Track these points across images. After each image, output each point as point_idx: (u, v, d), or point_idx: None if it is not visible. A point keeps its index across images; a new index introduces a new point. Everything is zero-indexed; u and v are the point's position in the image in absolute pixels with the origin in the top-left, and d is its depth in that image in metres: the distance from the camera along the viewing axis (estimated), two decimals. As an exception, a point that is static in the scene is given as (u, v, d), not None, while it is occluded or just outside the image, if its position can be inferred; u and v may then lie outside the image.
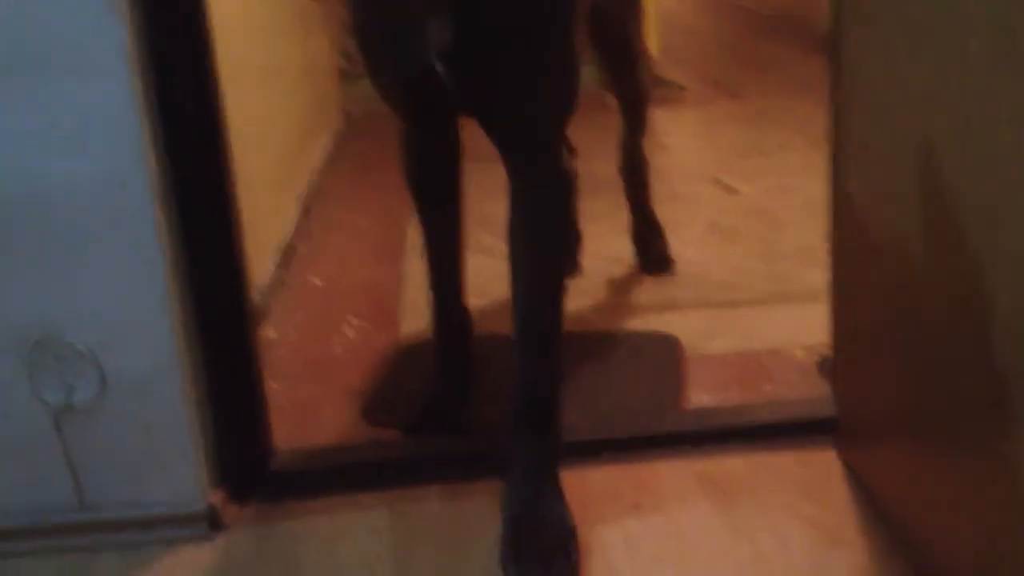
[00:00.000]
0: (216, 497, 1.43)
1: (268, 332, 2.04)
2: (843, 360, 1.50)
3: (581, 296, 2.06)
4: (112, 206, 1.31)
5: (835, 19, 1.39)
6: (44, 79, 1.26)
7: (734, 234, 2.42)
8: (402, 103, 1.45)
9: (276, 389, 1.75)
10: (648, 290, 2.12)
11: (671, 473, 1.47)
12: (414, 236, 2.49)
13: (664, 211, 2.31)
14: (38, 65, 1.26)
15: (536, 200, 1.37)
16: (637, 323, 2.00)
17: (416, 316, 2.07)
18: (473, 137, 1.59)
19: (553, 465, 1.36)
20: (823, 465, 1.46)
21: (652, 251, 2.21)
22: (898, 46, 1.17)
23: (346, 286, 2.27)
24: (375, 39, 1.39)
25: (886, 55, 1.21)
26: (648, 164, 2.23)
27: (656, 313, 2.02)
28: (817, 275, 2.08)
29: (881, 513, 1.33)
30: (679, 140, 3.23)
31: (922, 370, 1.19)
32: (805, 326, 1.90)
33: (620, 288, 2.16)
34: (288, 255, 2.39)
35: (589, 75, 1.62)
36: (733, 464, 1.48)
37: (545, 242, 1.38)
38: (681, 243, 2.37)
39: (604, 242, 2.29)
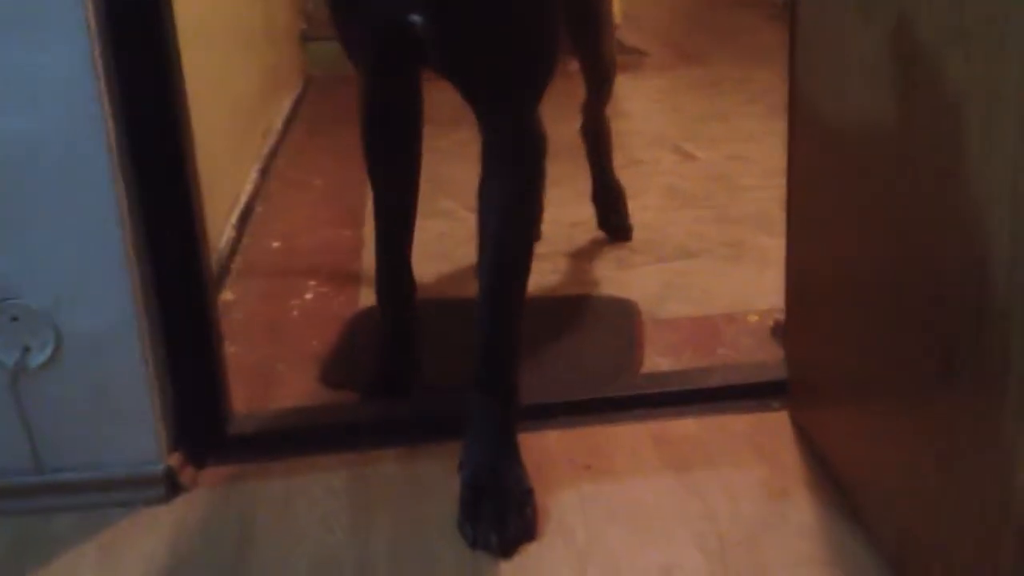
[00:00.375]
0: (174, 459, 1.43)
1: (226, 295, 2.04)
2: (795, 324, 1.52)
3: (540, 260, 2.06)
4: (67, 166, 1.30)
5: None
6: (-2, 36, 1.25)
7: (691, 199, 2.44)
8: (368, 55, 1.40)
9: (234, 352, 1.76)
10: (605, 254, 2.14)
11: (625, 435, 1.50)
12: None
13: (623, 176, 2.31)
14: (-10, 22, 1.24)
15: (511, 162, 1.35)
16: (594, 287, 2.02)
17: (373, 280, 2.08)
18: (432, 100, 1.59)
19: (510, 427, 1.38)
20: (775, 427, 1.49)
21: (612, 216, 2.22)
22: (851, 15, 1.19)
23: (305, 248, 2.27)
24: None
25: (839, 25, 1.23)
26: (610, 130, 2.24)
27: (612, 276, 2.04)
28: (772, 241, 2.12)
29: (830, 473, 1.37)
30: (640, 106, 3.24)
31: (869, 334, 1.22)
32: (760, 291, 1.93)
33: (578, 252, 2.17)
34: (246, 217, 2.38)
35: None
36: (686, 426, 1.51)
37: (518, 206, 1.37)
38: (639, 208, 2.39)
39: (564, 207, 2.30)
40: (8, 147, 1.28)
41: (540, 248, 2.13)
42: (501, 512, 1.29)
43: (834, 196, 1.31)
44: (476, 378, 1.38)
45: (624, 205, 2.24)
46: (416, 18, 1.25)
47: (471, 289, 1.97)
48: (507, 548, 1.27)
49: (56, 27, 1.25)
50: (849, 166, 1.25)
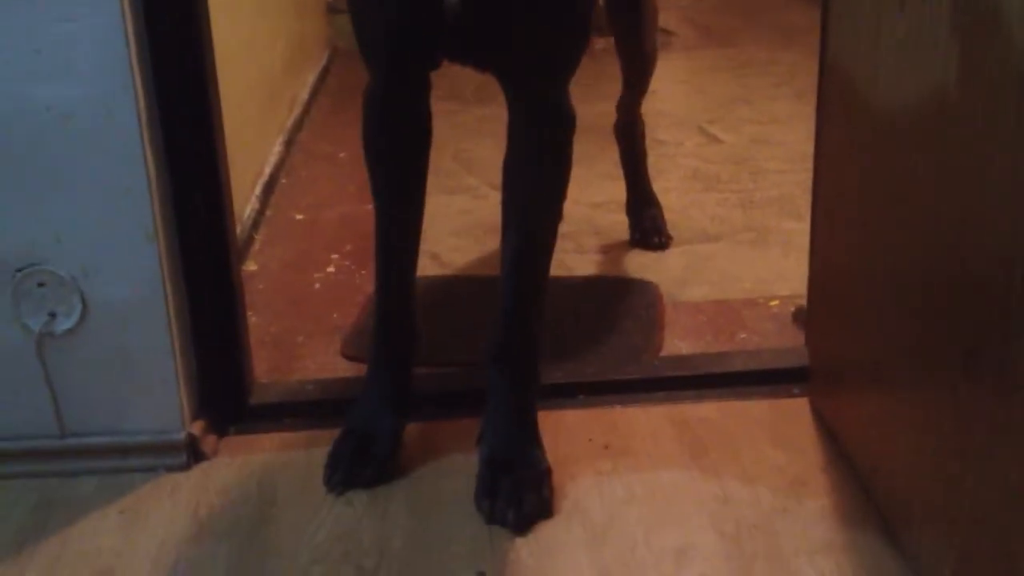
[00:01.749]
0: (196, 427, 1.45)
1: (249, 265, 2.05)
2: (817, 311, 1.52)
3: (561, 239, 2.03)
4: (98, 133, 1.31)
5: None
6: (30, 3, 1.25)
7: (715, 182, 2.43)
8: (389, 43, 1.31)
9: (255, 322, 1.77)
10: (627, 235, 2.13)
11: (644, 417, 1.50)
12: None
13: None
14: (22, -12, 1.25)
15: (539, 141, 1.34)
16: (615, 268, 2.02)
17: (397, 254, 2.08)
18: (456, 76, 1.57)
19: (531, 405, 1.38)
20: (794, 413, 1.49)
21: (649, 230, 2.08)
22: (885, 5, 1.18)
23: (328, 221, 2.28)
24: None
25: (875, 8, 1.22)
26: (644, 130, 2.14)
27: (634, 258, 2.04)
28: (795, 226, 2.12)
29: (848, 460, 1.37)
30: (665, 86, 3.22)
31: (893, 322, 1.22)
32: (781, 276, 1.93)
33: (600, 232, 2.17)
34: (270, 188, 2.39)
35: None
36: (706, 410, 1.51)
37: (545, 185, 1.36)
38: (662, 190, 2.38)
39: (587, 187, 2.30)
40: (39, 115, 1.29)
41: (562, 227, 2.12)
42: (518, 489, 1.30)
43: (862, 183, 1.30)
44: (497, 354, 1.38)
45: (661, 217, 2.11)
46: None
47: (492, 266, 1.99)
48: (523, 525, 1.28)
49: (88, -5, 1.26)
50: (879, 153, 1.24)
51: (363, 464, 1.38)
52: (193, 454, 1.43)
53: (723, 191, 2.38)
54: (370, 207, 2.32)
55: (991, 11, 0.95)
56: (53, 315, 1.36)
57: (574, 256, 2.07)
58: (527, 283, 1.37)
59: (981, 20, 0.97)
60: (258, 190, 2.29)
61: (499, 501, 1.30)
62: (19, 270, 1.34)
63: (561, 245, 2.02)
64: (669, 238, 2.09)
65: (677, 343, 1.72)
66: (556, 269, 1.96)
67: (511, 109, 1.35)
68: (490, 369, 1.38)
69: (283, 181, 2.49)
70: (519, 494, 1.30)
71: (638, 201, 2.13)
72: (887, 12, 1.17)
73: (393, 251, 1.43)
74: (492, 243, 2.14)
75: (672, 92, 3.22)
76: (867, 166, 1.28)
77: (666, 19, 3.98)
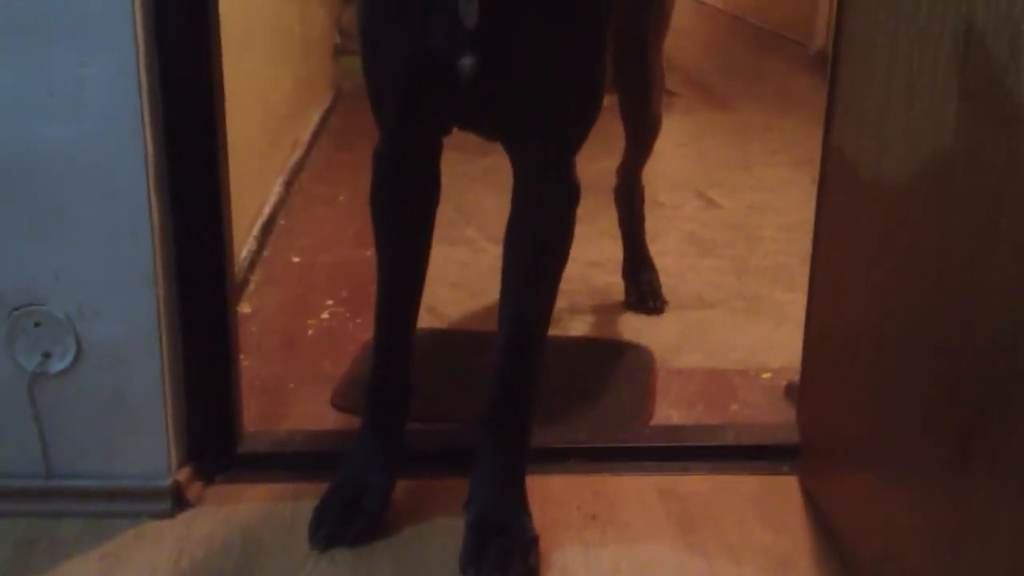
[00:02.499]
0: (182, 474, 1.43)
1: (243, 307, 2.05)
2: (810, 387, 1.53)
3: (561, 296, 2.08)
4: (105, 176, 1.31)
5: (834, 53, 1.41)
6: (45, 44, 1.26)
7: (711, 247, 2.45)
8: (400, 107, 1.29)
9: (246, 366, 1.76)
10: (622, 297, 2.14)
11: (633, 487, 1.50)
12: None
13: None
14: (40, 29, 1.26)
15: (545, 208, 1.35)
16: (609, 330, 2.03)
17: (393, 305, 2.08)
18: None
19: (520, 470, 1.38)
20: (783, 491, 1.49)
21: (645, 294, 2.09)
22: (893, 87, 1.19)
23: (324, 265, 2.28)
24: (387, 14, 1.25)
25: (883, 89, 1.23)
26: (644, 194, 2.16)
27: (628, 321, 2.04)
28: (789, 296, 2.13)
29: (836, 543, 1.36)
30: (665, 147, 3.24)
31: (888, 403, 1.22)
32: (774, 347, 1.94)
33: (595, 292, 2.18)
34: (268, 229, 2.39)
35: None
36: (695, 483, 1.51)
37: (547, 253, 1.37)
38: (658, 252, 2.39)
39: (584, 246, 2.29)
40: (48, 155, 1.29)
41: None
42: (505, 557, 1.29)
43: (862, 261, 1.31)
44: (489, 417, 1.37)
45: (657, 281, 2.12)
46: (468, 60, 1.19)
47: (488, 321, 1.99)
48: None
49: (104, 39, 1.27)
50: (881, 232, 1.25)
51: (350, 520, 1.37)
52: (178, 501, 1.42)
53: (719, 257, 2.40)
54: (368, 253, 2.34)
55: (999, 99, 0.96)
56: (47, 355, 1.35)
57: (568, 315, 2.07)
58: (523, 350, 1.37)
59: (989, 108, 0.99)
60: (256, 230, 2.29)
61: (485, 567, 1.28)
62: (16, 308, 1.34)
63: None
64: (664, 303, 2.10)
65: (668, 411, 1.72)
66: (550, 327, 1.98)
67: (517, 177, 1.36)
68: (481, 431, 1.38)
69: (281, 222, 2.49)
70: (505, 561, 1.28)
71: (635, 264, 2.14)
72: (895, 96, 1.19)
73: (394, 309, 1.43)
74: (489, 297, 2.15)
75: (672, 154, 3.25)
76: (868, 245, 1.29)
77: (669, 80, 4.03)
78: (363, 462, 1.42)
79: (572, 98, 1.28)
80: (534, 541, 1.33)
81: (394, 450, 1.44)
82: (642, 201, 2.16)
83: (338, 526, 1.36)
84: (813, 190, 1.49)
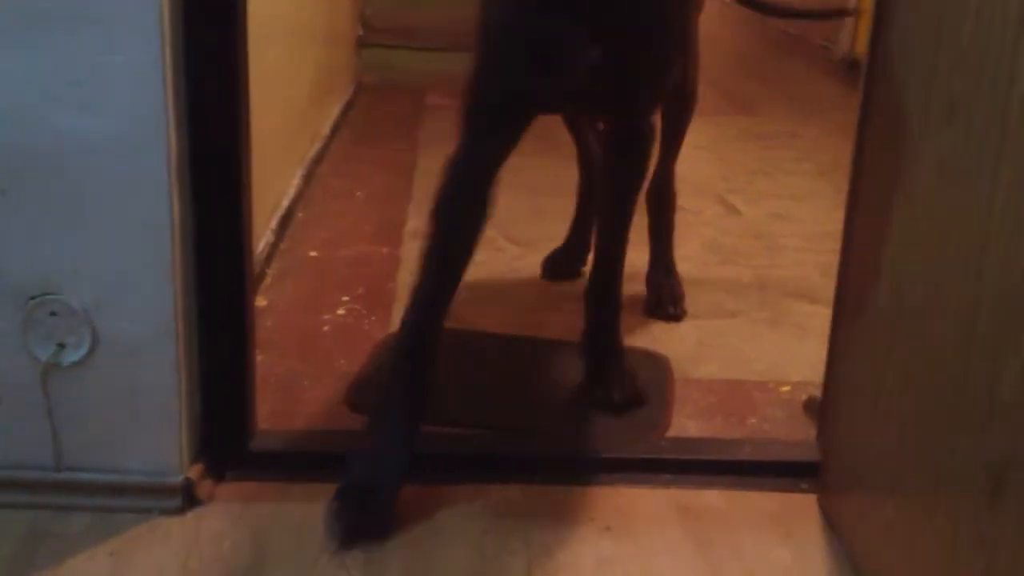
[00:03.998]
0: (193, 471, 1.42)
1: (260, 300, 2.03)
2: (832, 410, 1.50)
3: (574, 300, 2.06)
4: (126, 169, 1.29)
5: (867, 74, 1.38)
6: (70, 33, 1.24)
7: (732, 255, 2.42)
8: (506, 108, 1.46)
9: (260, 360, 1.74)
10: (641, 303, 2.11)
11: (649, 500, 1.48)
12: (414, 220, 2.49)
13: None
14: (65, 18, 1.24)
15: (633, 153, 1.69)
16: (627, 337, 2.00)
17: (409, 304, 2.07)
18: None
19: (616, 328, 1.74)
20: (801, 509, 1.47)
21: (667, 303, 2.09)
22: (934, 111, 1.17)
23: (341, 262, 2.26)
24: (517, 42, 1.44)
25: (919, 120, 1.21)
26: (676, 200, 2.19)
27: (647, 328, 2.02)
28: (810, 308, 2.10)
29: (855, 566, 1.34)
30: (688, 152, 3.17)
31: (914, 431, 1.20)
32: (794, 360, 1.91)
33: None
34: (286, 222, 2.38)
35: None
36: (712, 498, 1.48)
37: (634, 182, 1.72)
38: (680, 258, 2.36)
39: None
40: (70, 145, 1.27)
41: (576, 288, 2.12)
42: (618, 383, 1.69)
43: (892, 281, 1.29)
44: (592, 295, 1.75)
45: (680, 288, 2.13)
46: (595, 52, 1.41)
47: (503, 322, 1.97)
48: (623, 407, 1.67)
49: (130, 29, 1.25)
50: (909, 260, 1.23)
51: (365, 519, 1.37)
52: (188, 499, 1.40)
53: (740, 265, 2.37)
54: (384, 250, 2.34)
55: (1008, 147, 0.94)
56: (62, 346, 1.34)
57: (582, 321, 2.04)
58: (615, 246, 1.72)
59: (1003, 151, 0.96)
60: (274, 223, 2.28)
61: (603, 387, 1.69)
62: (32, 298, 1.32)
63: (572, 306, 2.03)
64: (684, 312, 2.09)
65: (686, 422, 1.70)
66: (565, 332, 1.96)
67: (609, 132, 1.72)
68: (586, 308, 1.75)
69: (299, 215, 2.47)
70: (621, 384, 1.69)
71: (659, 270, 2.14)
72: (933, 128, 1.16)
73: (429, 312, 1.47)
74: (506, 297, 2.13)
75: (693, 157, 3.20)
76: (898, 270, 1.26)
77: (692, 82, 4.00)
78: (378, 460, 1.42)
79: (661, 83, 1.64)
80: (635, 376, 1.73)
81: (410, 449, 1.44)
82: (674, 207, 2.19)
83: (353, 524, 1.36)
84: (837, 199, 1.46)
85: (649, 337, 1.98)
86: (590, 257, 1.84)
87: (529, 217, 2.50)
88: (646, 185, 2.12)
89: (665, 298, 2.10)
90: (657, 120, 1.73)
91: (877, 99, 1.36)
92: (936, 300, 1.15)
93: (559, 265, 2.21)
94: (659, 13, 1.51)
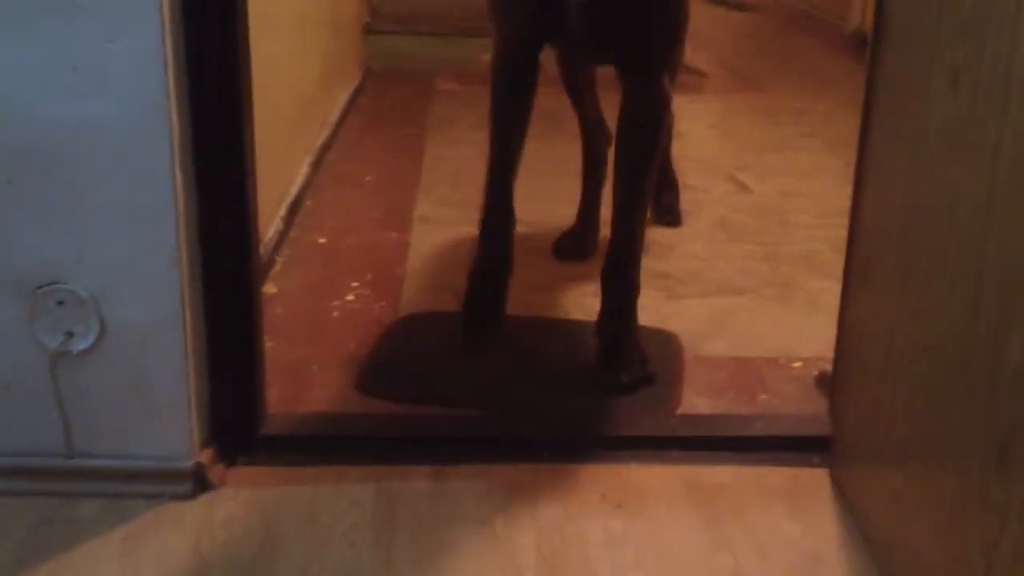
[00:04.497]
0: (204, 456, 1.42)
1: (269, 287, 2.03)
2: (842, 380, 1.49)
3: (583, 281, 2.06)
4: (129, 156, 1.29)
5: (873, 43, 1.37)
6: (70, 19, 1.24)
7: (742, 233, 2.41)
8: (521, 24, 1.73)
9: (270, 347, 1.75)
10: (651, 283, 2.10)
11: (659, 477, 1.47)
12: (423, 206, 2.49)
13: (676, 203, 2.30)
14: (64, 4, 1.24)
15: (645, 112, 1.73)
16: (639, 316, 2.00)
17: (417, 289, 2.07)
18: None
19: (633, 303, 1.76)
20: (812, 484, 1.46)
21: (665, 204, 2.40)
22: (936, 81, 1.16)
23: (350, 248, 2.26)
24: None
25: (924, 88, 1.20)
26: (673, 122, 2.29)
27: (657, 306, 2.01)
28: (822, 284, 2.09)
29: (867, 538, 1.34)
30: (695, 128, 3.20)
31: (923, 403, 1.19)
32: (806, 336, 1.90)
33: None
34: (295, 209, 2.38)
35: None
36: (722, 474, 1.48)
37: (649, 143, 1.74)
38: (688, 236, 2.37)
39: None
40: (72, 133, 1.28)
41: (584, 269, 2.12)
42: (629, 363, 1.70)
43: (900, 255, 1.28)
44: (610, 265, 1.76)
45: (677, 195, 2.44)
46: None
47: (509, 302, 1.96)
48: (632, 388, 1.67)
49: (129, 15, 1.25)
50: (919, 229, 1.22)
51: (483, 325, 1.82)
52: (199, 483, 1.41)
53: (750, 242, 2.36)
54: (393, 235, 2.34)
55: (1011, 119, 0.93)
56: (70, 334, 1.34)
57: (594, 299, 2.04)
58: (633, 217, 1.74)
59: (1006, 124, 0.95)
60: (283, 211, 2.28)
61: (614, 369, 1.69)
62: (39, 287, 1.33)
63: (581, 287, 2.03)
64: (680, 219, 2.41)
65: (696, 399, 1.69)
66: (576, 312, 1.96)
67: (624, 89, 1.74)
68: (604, 278, 1.77)
69: (308, 202, 2.47)
70: (631, 366, 1.70)
71: (659, 184, 2.32)
72: (935, 98, 1.15)
73: (501, 154, 1.81)
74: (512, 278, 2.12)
75: (702, 135, 3.20)
76: (905, 241, 1.26)
77: (699, 60, 3.98)
78: (484, 275, 1.84)
79: (665, 34, 1.71)
80: (646, 356, 1.73)
81: (506, 265, 1.85)
82: (671, 128, 2.34)
83: (476, 326, 1.83)
84: (847, 174, 1.45)
85: (659, 315, 1.97)
86: (600, 237, 1.91)
87: (535, 197, 2.49)
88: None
89: (663, 209, 2.40)
90: (668, 88, 1.74)
91: (882, 71, 1.35)
92: (942, 270, 1.14)
93: (569, 246, 2.24)
94: None
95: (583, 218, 2.26)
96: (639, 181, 1.74)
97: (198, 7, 1.32)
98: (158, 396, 1.39)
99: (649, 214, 2.31)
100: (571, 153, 2.32)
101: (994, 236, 1.02)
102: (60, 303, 1.33)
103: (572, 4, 1.61)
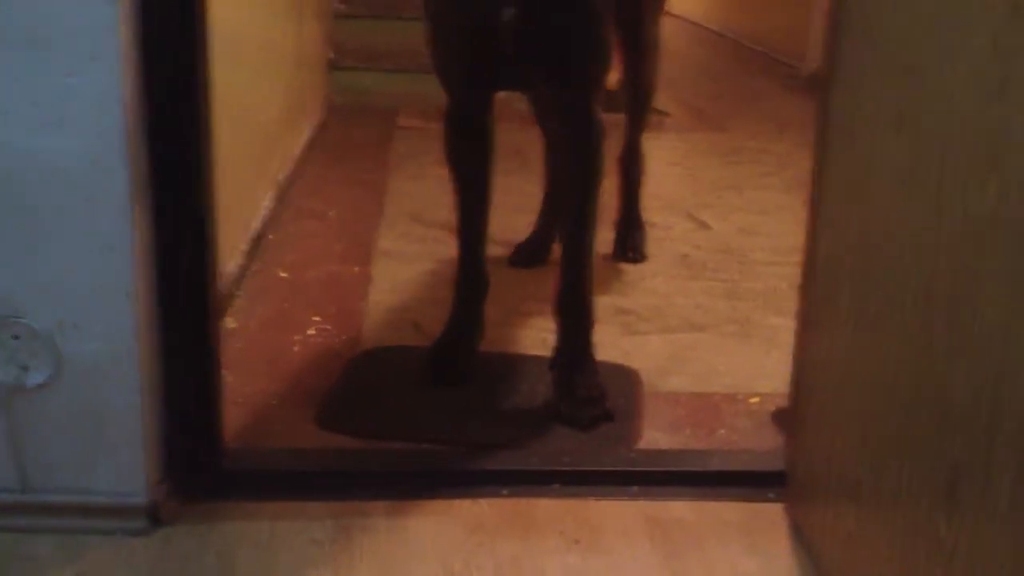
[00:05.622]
0: (159, 492, 1.41)
1: (229, 321, 2.03)
2: (798, 416, 1.51)
3: (544, 317, 2.07)
4: (87, 188, 1.29)
5: (824, 87, 1.40)
6: (30, 52, 1.24)
7: (702, 270, 2.44)
8: (460, 66, 1.72)
9: (230, 381, 1.74)
10: (611, 319, 2.12)
11: (618, 512, 1.48)
12: (385, 240, 2.50)
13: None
14: (25, 38, 1.24)
15: (575, 142, 1.74)
16: (597, 351, 2.00)
17: (379, 323, 2.07)
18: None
19: (587, 337, 1.77)
20: (769, 519, 1.47)
21: (629, 248, 2.45)
22: (883, 122, 1.18)
23: (312, 282, 2.26)
24: (444, 16, 1.70)
25: (871, 131, 1.22)
26: (644, 162, 2.48)
27: (616, 343, 2.02)
28: (780, 321, 2.12)
29: (822, 574, 1.35)
30: (657, 167, 3.22)
31: (875, 439, 1.20)
32: (763, 372, 1.92)
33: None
34: (257, 243, 2.37)
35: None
36: (680, 509, 1.49)
37: (585, 176, 1.74)
38: (649, 272, 2.39)
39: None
40: (30, 166, 1.27)
41: (544, 306, 2.12)
42: (587, 399, 1.70)
43: (851, 292, 1.30)
44: (560, 305, 1.77)
45: (643, 239, 2.48)
46: (508, 10, 1.58)
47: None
48: (590, 425, 1.67)
49: (90, 51, 1.25)
50: (868, 269, 1.24)
51: (451, 370, 1.81)
52: (154, 519, 1.40)
53: (710, 279, 2.38)
54: (355, 269, 2.34)
55: (986, 150, 0.95)
56: (25, 368, 1.33)
57: (552, 335, 2.05)
58: (579, 256, 1.75)
59: (978, 162, 0.98)
60: (244, 245, 2.27)
61: (572, 405, 1.70)
62: (-6, 321, 1.32)
63: (542, 324, 2.03)
64: (644, 256, 2.45)
65: (655, 435, 1.70)
66: (535, 348, 1.96)
67: (551, 121, 1.85)
68: (557, 317, 1.78)
69: (270, 236, 2.47)
70: (588, 403, 1.70)
71: (626, 223, 2.48)
72: (881, 139, 1.18)
73: (469, 218, 1.82)
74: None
75: (663, 173, 3.24)
76: (858, 279, 1.28)
77: (660, 99, 4.03)
78: (457, 327, 1.84)
79: (587, 53, 1.68)
80: (605, 392, 1.73)
81: (479, 319, 1.85)
82: (642, 165, 2.48)
83: (443, 371, 1.81)
84: (805, 214, 1.48)
85: (619, 351, 1.99)
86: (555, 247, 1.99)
87: (499, 233, 2.51)
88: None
89: (627, 247, 2.44)
90: (606, 120, 1.75)
91: (833, 110, 1.38)
92: (893, 309, 1.16)
93: (526, 254, 2.36)
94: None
95: (540, 226, 2.38)
96: (581, 210, 1.75)
97: (158, 41, 1.33)
98: (113, 431, 1.37)
99: (612, 250, 2.43)
100: (536, 191, 2.34)
101: (941, 275, 1.05)
102: (15, 337, 1.32)
103: (501, 25, 1.61)
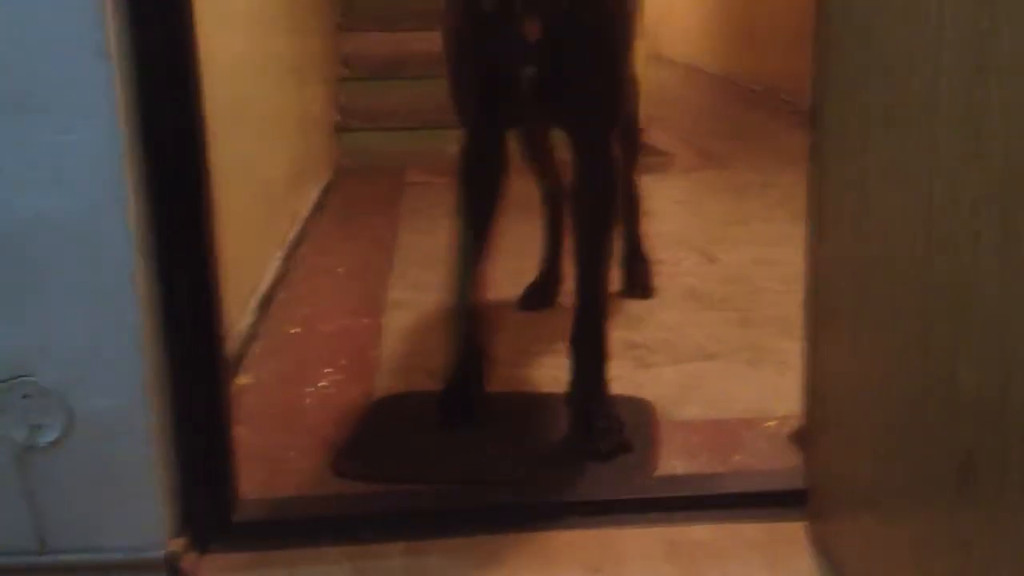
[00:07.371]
0: (176, 544, 1.41)
1: (242, 378, 2.03)
2: (813, 431, 1.50)
3: (556, 354, 2.07)
4: (88, 247, 1.31)
5: (815, 98, 1.41)
6: (24, 113, 1.27)
7: (712, 301, 2.43)
8: (479, 107, 1.75)
9: (245, 435, 1.74)
10: (623, 353, 2.12)
11: (637, 539, 1.47)
12: (395, 291, 2.51)
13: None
14: (18, 99, 1.26)
15: (593, 176, 1.78)
16: (611, 384, 2.00)
17: (392, 371, 2.08)
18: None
19: (602, 370, 1.77)
20: (790, 537, 1.46)
21: (636, 278, 2.45)
22: (874, 120, 1.19)
23: (324, 336, 2.27)
24: (466, 40, 1.72)
25: (863, 129, 1.23)
26: (640, 197, 2.49)
27: (629, 376, 2.02)
28: (792, 345, 2.09)
29: (845, 588, 1.33)
30: (663, 206, 3.25)
31: (890, 445, 1.19)
32: (779, 396, 1.91)
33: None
34: (267, 302, 2.39)
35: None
36: (700, 532, 1.47)
37: (600, 207, 1.79)
38: (658, 307, 2.39)
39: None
40: (30, 225, 1.29)
41: (557, 343, 2.12)
42: (605, 431, 1.70)
43: (854, 306, 1.30)
44: (575, 337, 1.77)
45: (649, 273, 2.48)
46: (529, 70, 1.63)
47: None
48: (610, 455, 1.66)
49: (85, 109, 1.28)
50: (869, 276, 1.24)
51: (461, 411, 1.81)
52: (173, 572, 1.39)
53: (721, 310, 2.38)
54: (365, 320, 2.35)
55: (972, 137, 0.96)
56: (37, 427, 1.34)
57: (566, 372, 2.05)
58: (594, 289, 1.77)
59: (963, 149, 0.98)
60: (254, 303, 2.29)
61: (593, 439, 1.68)
62: (3, 381, 1.33)
63: (555, 360, 2.03)
64: (652, 292, 2.45)
65: (672, 463, 1.69)
66: (549, 384, 1.96)
67: (573, 155, 1.79)
68: (571, 349, 1.78)
69: (281, 295, 2.49)
70: (606, 434, 1.69)
71: (631, 257, 2.47)
72: (873, 137, 1.19)
73: (469, 254, 1.82)
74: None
75: (670, 212, 3.25)
76: (858, 289, 1.28)
77: (664, 141, 4.06)
78: (462, 370, 1.83)
79: (607, 95, 1.76)
80: (623, 423, 1.73)
81: (482, 361, 1.86)
82: (639, 202, 2.49)
83: (453, 413, 1.81)
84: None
85: (632, 384, 1.98)
86: (563, 288, 2.01)
87: (503, 280, 2.52)
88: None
89: (635, 283, 2.44)
90: (615, 153, 1.80)
91: (824, 123, 1.39)
92: (892, 311, 1.16)
93: (535, 297, 2.38)
94: (588, 35, 1.68)
95: (546, 270, 2.40)
96: (598, 247, 1.77)
97: (154, 100, 1.35)
98: (127, 486, 1.38)
99: (622, 287, 2.43)
100: (534, 232, 2.35)
101: (936, 269, 1.05)
102: (25, 397, 1.33)
103: (523, 77, 1.65)
